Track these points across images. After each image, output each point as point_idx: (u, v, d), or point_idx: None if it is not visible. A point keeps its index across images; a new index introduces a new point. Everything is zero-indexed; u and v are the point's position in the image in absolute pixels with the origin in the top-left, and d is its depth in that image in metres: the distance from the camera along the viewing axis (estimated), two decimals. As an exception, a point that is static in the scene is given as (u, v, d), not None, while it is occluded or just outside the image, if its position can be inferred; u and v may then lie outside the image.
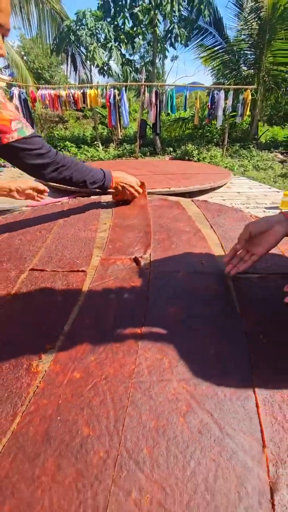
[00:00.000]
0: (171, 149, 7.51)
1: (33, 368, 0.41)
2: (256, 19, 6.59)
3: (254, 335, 0.46)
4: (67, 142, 7.65)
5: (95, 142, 7.88)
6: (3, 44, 0.63)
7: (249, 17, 6.72)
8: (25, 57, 12.53)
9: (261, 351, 0.43)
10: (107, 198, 1.11)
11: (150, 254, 0.70)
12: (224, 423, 0.34)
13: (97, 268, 0.64)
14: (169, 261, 0.67)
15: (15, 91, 5.56)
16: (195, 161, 5.66)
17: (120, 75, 8.27)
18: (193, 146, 6.64)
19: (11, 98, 5.62)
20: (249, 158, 6.37)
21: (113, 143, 8.10)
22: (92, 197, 1.18)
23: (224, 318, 0.49)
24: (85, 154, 7.15)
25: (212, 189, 1.55)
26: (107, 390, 0.37)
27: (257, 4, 6.31)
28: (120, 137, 7.62)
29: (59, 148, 7.46)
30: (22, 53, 12.86)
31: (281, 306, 0.52)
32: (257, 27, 6.67)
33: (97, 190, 0.94)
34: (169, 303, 0.53)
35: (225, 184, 1.75)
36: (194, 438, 0.32)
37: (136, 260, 0.66)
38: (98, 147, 7.63)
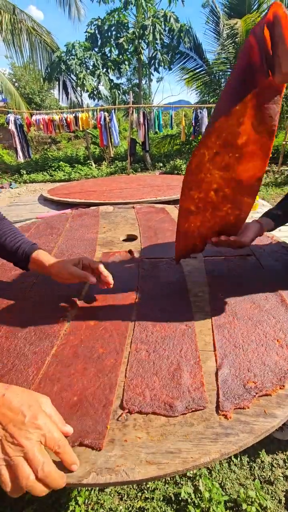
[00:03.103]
0: (161, 165, 7.88)
1: (61, 320, 0.58)
2: (233, 44, 7.17)
3: (215, 293, 0.64)
4: (61, 162, 7.99)
5: (88, 161, 8.23)
6: None
7: (226, 42, 7.31)
8: (16, 84, 13.14)
9: (218, 302, 0.62)
10: (105, 208, 1.31)
11: (141, 247, 0.89)
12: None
13: (100, 259, 0.83)
14: (155, 251, 0.86)
15: (11, 117, 5.90)
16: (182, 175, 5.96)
17: (109, 97, 8.74)
18: (182, 161, 7.00)
19: (7, 124, 5.95)
20: (234, 170, 6.72)
21: (105, 161, 8.47)
22: (91, 207, 1.38)
23: (180, 283, 0.68)
24: (79, 172, 7.46)
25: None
26: (114, 329, 0.55)
27: (232, 31, 6.89)
28: (112, 155, 8.01)
29: (53, 168, 7.79)
30: (14, 80, 13.49)
31: (235, 277, 0.71)
32: (233, 51, 7.24)
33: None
34: (153, 278, 0.72)
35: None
36: (170, 351, 0.50)
37: (130, 252, 0.85)
38: (91, 165, 7.98)
